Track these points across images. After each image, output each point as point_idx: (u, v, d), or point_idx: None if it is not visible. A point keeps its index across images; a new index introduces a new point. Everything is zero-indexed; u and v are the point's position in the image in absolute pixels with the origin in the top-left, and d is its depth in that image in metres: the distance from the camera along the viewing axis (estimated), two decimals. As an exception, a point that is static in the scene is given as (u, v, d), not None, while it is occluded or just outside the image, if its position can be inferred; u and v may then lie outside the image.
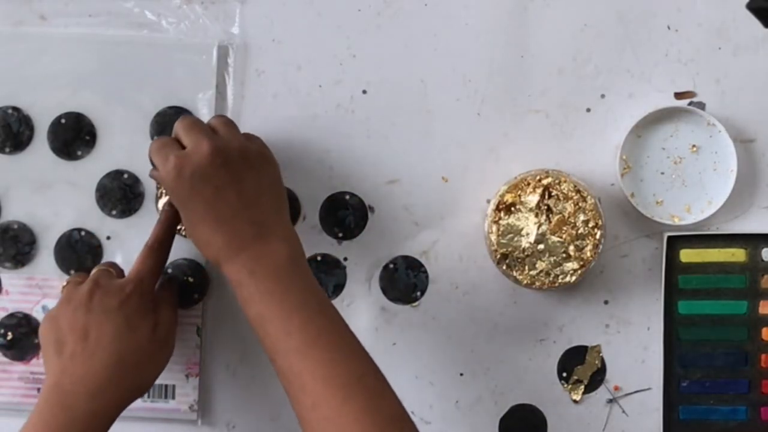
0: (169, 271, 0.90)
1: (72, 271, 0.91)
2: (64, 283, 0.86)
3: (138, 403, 0.85)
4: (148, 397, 0.90)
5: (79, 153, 0.91)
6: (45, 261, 0.91)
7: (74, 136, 0.91)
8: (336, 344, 0.77)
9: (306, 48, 0.91)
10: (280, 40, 0.91)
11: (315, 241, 0.91)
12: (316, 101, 0.91)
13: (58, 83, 0.91)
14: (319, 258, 0.91)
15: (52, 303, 0.90)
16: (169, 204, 0.85)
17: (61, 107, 0.91)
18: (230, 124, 0.83)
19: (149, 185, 0.91)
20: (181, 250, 0.90)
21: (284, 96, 0.91)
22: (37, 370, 0.91)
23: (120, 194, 0.91)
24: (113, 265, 0.87)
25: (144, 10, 0.91)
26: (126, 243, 0.91)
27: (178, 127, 0.82)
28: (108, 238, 0.91)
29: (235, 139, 0.82)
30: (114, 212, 0.91)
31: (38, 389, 0.91)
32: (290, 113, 0.91)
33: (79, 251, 0.91)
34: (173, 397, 0.90)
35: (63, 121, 0.91)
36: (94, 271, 0.85)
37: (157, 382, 0.87)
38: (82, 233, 0.91)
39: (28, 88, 0.91)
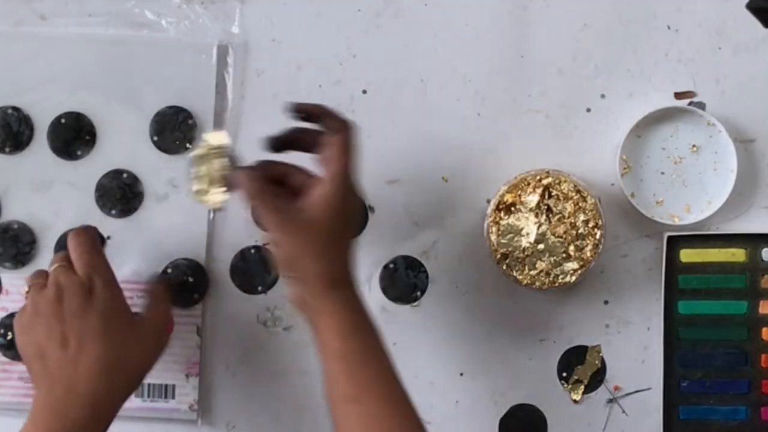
0: (169, 271, 0.90)
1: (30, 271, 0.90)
2: (26, 289, 0.84)
3: (138, 403, 0.86)
4: (148, 396, 0.90)
5: (79, 153, 0.91)
6: (45, 261, 0.91)
7: (74, 136, 0.91)
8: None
9: (306, 48, 0.91)
10: (280, 40, 0.91)
11: (315, 241, 0.91)
12: (316, 101, 0.91)
13: (58, 83, 0.91)
14: (319, 258, 0.91)
15: None
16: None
17: (61, 107, 0.91)
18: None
19: (148, 184, 0.91)
20: (180, 250, 0.90)
21: (284, 96, 0.91)
22: (34, 370, 0.91)
23: (119, 194, 0.91)
24: (86, 239, 0.83)
25: (144, 9, 0.91)
26: (126, 242, 0.91)
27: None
28: (108, 237, 0.91)
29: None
30: (114, 212, 0.91)
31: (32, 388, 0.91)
32: (290, 113, 0.91)
33: None
34: (173, 397, 0.90)
35: (63, 121, 0.91)
36: (52, 269, 0.82)
37: (157, 381, 0.87)
38: None
39: (28, 88, 0.91)
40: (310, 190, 0.78)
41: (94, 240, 0.84)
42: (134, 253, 0.89)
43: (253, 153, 0.90)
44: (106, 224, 0.91)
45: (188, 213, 0.91)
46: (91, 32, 0.91)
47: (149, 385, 0.90)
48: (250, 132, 0.90)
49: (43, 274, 0.83)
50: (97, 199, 0.91)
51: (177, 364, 0.90)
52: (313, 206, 0.77)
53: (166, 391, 0.90)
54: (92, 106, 0.91)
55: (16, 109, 0.91)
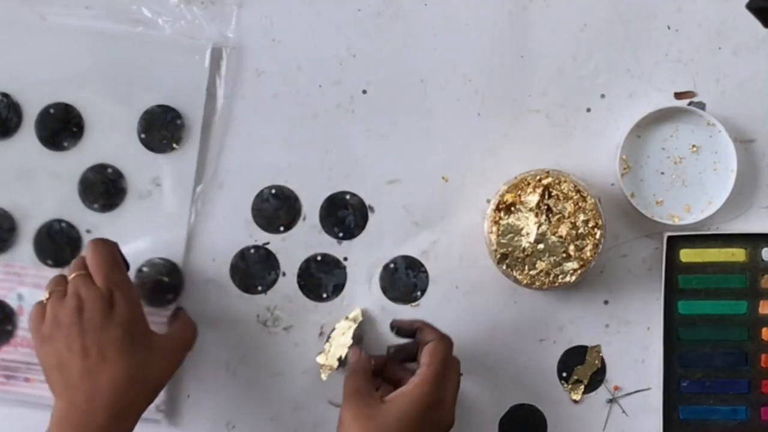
0: (144, 269, 0.90)
1: (49, 261, 0.90)
2: (46, 296, 0.83)
3: None
4: None
5: (66, 144, 0.91)
6: (23, 249, 0.91)
7: (62, 127, 0.91)
8: None
9: (306, 48, 0.91)
10: (280, 40, 0.91)
11: (315, 241, 0.91)
12: (316, 101, 0.91)
13: (50, 73, 0.91)
14: (319, 258, 0.91)
15: (27, 291, 0.90)
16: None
17: (51, 97, 0.91)
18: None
19: (132, 181, 0.91)
20: (158, 249, 0.90)
21: (284, 96, 0.91)
22: (8, 358, 0.91)
23: (102, 188, 0.91)
24: (106, 252, 0.83)
25: (141, 6, 0.91)
26: (105, 237, 0.90)
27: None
28: (88, 231, 0.91)
29: None
30: (95, 206, 0.91)
31: (6, 377, 0.91)
32: (290, 113, 0.91)
33: (58, 242, 0.91)
34: None
35: (52, 111, 0.91)
36: (71, 277, 0.82)
37: None
38: (63, 224, 0.91)
39: (20, 76, 0.91)
40: (400, 389, 0.81)
41: (114, 254, 0.84)
42: (114, 248, 0.90)
43: (252, 153, 0.90)
44: (87, 217, 0.91)
45: (169, 213, 0.91)
46: (86, 25, 0.91)
47: None
48: (250, 132, 0.90)
49: (62, 281, 0.83)
50: (80, 191, 0.91)
51: None
52: (392, 402, 0.79)
53: None
54: (82, 98, 0.91)
55: (5, 95, 0.91)
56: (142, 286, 0.90)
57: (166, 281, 0.90)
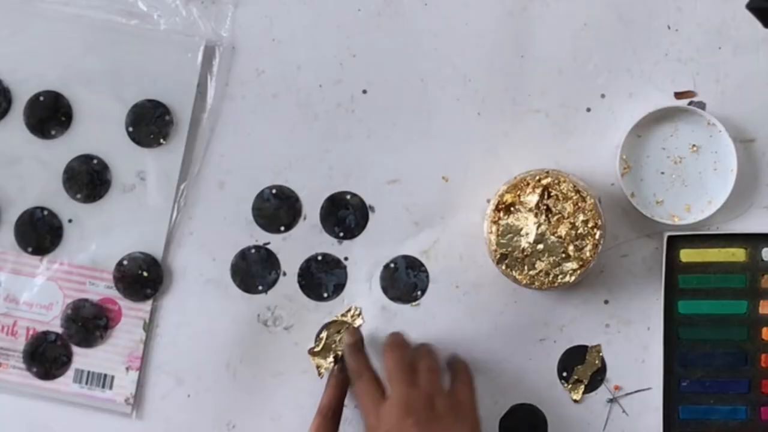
0: (125, 263, 0.90)
1: (29, 248, 0.90)
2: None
3: (75, 388, 0.88)
4: (86, 383, 0.90)
5: (53, 132, 0.91)
6: (4, 235, 0.91)
7: (50, 115, 0.91)
8: None
9: (306, 48, 0.91)
10: (280, 40, 0.91)
11: (315, 240, 0.91)
12: (316, 101, 0.91)
13: (42, 60, 0.90)
14: (319, 258, 0.91)
15: (5, 276, 0.90)
16: (339, 369, 0.88)
17: (41, 84, 0.90)
18: (433, 370, 0.85)
19: (117, 174, 0.91)
20: (139, 243, 0.90)
21: (284, 96, 0.91)
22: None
23: (87, 179, 0.91)
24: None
25: (138, 0, 0.90)
26: (86, 228, 0.90)
27: (387, 361, 0.85)
28: (70, 221, 0.91)
29: (433, 389, 0.83)
30: (79, 196, 0.91)
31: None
32: (290, 113, 0.91)
33: (39, 230, 0.90)
34: (110, 388, 0.90)
35: (41, 98, 0.90)
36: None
37: (97, 370, 0.89)
38: (45, 212, 0.90)
39: (12, 61, 0.90)
40: None
41: None
42: (93, 240, 0.89)
43: (253, 154, 0.90)
44: (70, 207, 0.91)
45: (151, 208, 0.91)
46: (81, 14, 0.90)
47: (88, 372, 0.90)
48: (250, 132, 0.91)
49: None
50: (65, 181, 0.91)
51: (119, 356, 0.90)
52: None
53: (104, 381, 0.90)
54: (73, 88, 0.90)
55: (-5, 77, 0.91)
56: (122, 279, 0.90)
57: (146, 276, 0.90)
